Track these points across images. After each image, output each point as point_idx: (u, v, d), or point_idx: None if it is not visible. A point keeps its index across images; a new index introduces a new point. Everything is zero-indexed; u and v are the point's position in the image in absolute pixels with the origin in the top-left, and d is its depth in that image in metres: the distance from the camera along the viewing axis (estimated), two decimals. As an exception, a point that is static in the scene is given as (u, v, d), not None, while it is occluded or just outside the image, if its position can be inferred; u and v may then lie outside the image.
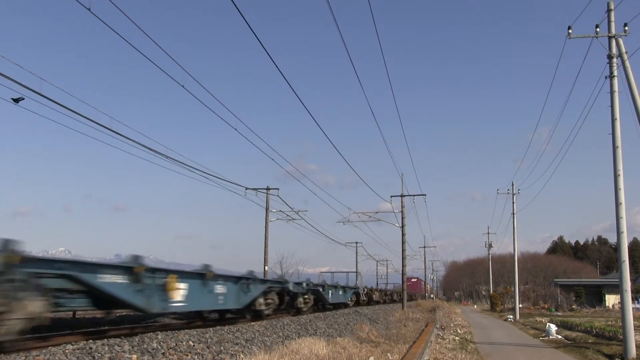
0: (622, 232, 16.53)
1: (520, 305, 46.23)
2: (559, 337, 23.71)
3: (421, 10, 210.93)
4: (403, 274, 42.01)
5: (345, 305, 29.70)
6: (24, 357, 7.25)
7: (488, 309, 61.95)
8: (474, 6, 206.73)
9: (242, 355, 10.17)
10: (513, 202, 42.55)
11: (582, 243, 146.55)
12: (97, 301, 9.79)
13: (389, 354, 13.20)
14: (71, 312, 15.48)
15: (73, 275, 8.49)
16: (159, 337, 9.91)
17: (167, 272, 11.01)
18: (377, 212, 42.00)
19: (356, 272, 64.74)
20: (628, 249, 17.81)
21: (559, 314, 47.17)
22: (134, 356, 8.40)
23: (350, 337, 15.80)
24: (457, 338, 21.49)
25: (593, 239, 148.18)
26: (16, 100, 11.80)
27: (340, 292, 28.22)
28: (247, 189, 32.40)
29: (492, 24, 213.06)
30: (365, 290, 38.41)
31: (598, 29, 17.44)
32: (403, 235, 39.75)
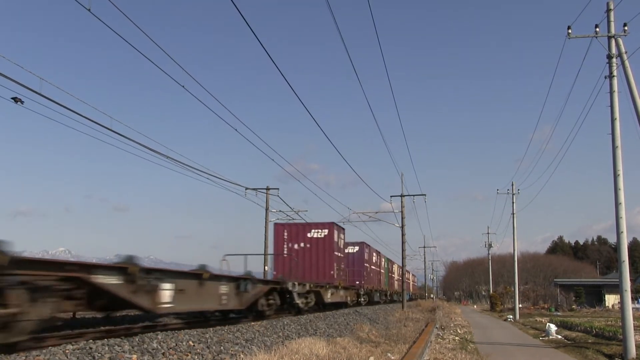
0: (622, 232, 16.53)
1: (520, 305, 46.25)
2: (559, 337, 23.72)
3: (421, 18, 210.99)
4: (403, 274, 42.04)
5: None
6: (24, 357, 7.25)
7: (488, 309, 61.93)
8: (473, 7, 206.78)
9: (242, 355, 10.17)
10: (513, 202, 42.59)
11: (582, 243, 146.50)
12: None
13: (389, 354, 13.20)
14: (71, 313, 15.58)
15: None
16: (159, 337, 9.91)
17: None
18: (377, 212, 41.49)
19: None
20: (628, 249, 17.82)
21: (558, 314, 47.18)
22: (134, 356, 8.40)
23: (350, 337, 15.80)
24: (457, 338, 21.50)
25: (593, 239, 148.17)
26: (16, 100, 11.79)
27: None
28: (247, 189, 32.32)
29: (491, 24, 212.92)
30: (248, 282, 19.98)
31: (598, 29, 17.45)
32: (403, 235, 39.75)
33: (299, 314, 19.66)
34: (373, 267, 39.89)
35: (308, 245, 25.88)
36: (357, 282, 34.18)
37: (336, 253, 26.58)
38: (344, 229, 29.31)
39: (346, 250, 33.30)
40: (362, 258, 35.91)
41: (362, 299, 34.99)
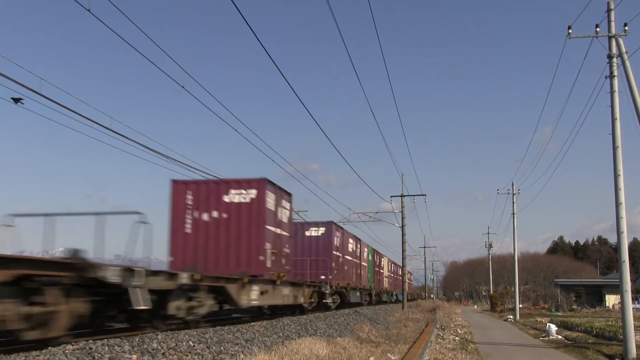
0: (622, 232, 16.52)
1: (521, 306, 46.27)
2: (559, 337, 23.71)
3: (421, 18, 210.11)
4: (403, 274, 42.07)
5: None
6: (24, 357, 7.25)
7: (488, 309, 61.96)
8: (473, 7, 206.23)
9: (242, 356, 10.17)
10: (513, 202, 42.59)
11: (582, 243, 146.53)
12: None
13: (389, 354, 13.21)
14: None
15: None
16: (159, 337, 9.91)
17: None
18: (377, 212, 41.44)
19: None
20: (628, 249, 17.81)
21: (559, 314, 47.19)
22: (134, 356, 8.40)
23: (350, 337, 15.81)
24: (457, 338, 21.50)
25: (593, 239, 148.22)
26: (16, 101, 11.80)
27: None
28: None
29: (491, 24, 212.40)
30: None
31: (598, 29, 17.45)
32: (403, 235, 39.80)
33: (157, 328, 11.45)
34: (348, 257, 30.27)
35: (225, 215, 16.41)
36: (323, 277, 25.30)
37: (270, 228, 16.83)
38: (290, 194, 19.09)
39: (307, 233, 26.19)
40: (329, 244, 26.35)
41: (330, 300, 25.68)
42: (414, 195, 40.43)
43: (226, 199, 16.50)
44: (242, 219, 16.34)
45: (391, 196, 39.52)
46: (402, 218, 39.58)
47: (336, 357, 11.27)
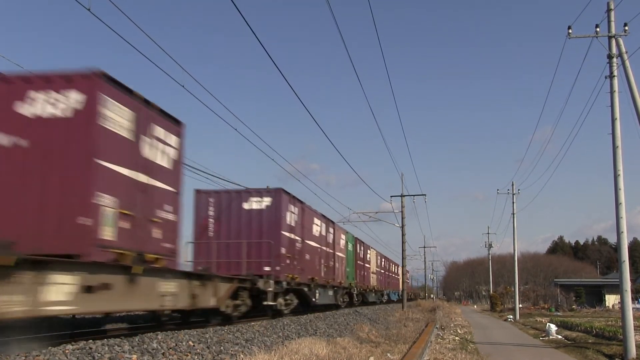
0: (622, 232, 16.52)
1: (520, 305, 46.28)
2: (559, 337, 23.72)
3: (421, 18, 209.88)
4: (403, 274, 42.11)
5: None
6: (24, 358, 7.25)
7: (488, 309, 61.97)
8: (473, 7, 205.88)
9: (242, 355, 10.17)
10: (513, 202, 42.60)
11: (582, 243, 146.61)
12: None
13: (389, 354, 13.21)
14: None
15: None
16: (159, 337, 9.91)
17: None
18: (377, 212, 41.40)
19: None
20: (628, 249, 17.82)
21: (559, 314, 47.20)
22: (134, 356, 8.40)
23: (350, 337, 15.81)
24: (457, 338, 21.51)
25: (593, 239, 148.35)
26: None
27: None
28: (246, 188, 32.28)
29: (491, 24, 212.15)
30: None
31: (598, 29, 17.45)
32: (403, 235, 39.82)
33: None
34: (312, 243, 22.20)
35: (23, 142, 8.70)
36: (267, 269, 17.64)
37: (115, 167, 9.16)
38: (179, 122, 11.55)
39: (246, 205, 18.35)
40: (277, 221, 18.31)
41: (279, 302, 18.15)
42: (414, 195, 40.48)
43: (24, 110, 8.86)
44: (54, 147, 8.75)
45: (391, 196, 39.55)
46: (402, 218, 39.61)
47: (336, 357, 11.27)
